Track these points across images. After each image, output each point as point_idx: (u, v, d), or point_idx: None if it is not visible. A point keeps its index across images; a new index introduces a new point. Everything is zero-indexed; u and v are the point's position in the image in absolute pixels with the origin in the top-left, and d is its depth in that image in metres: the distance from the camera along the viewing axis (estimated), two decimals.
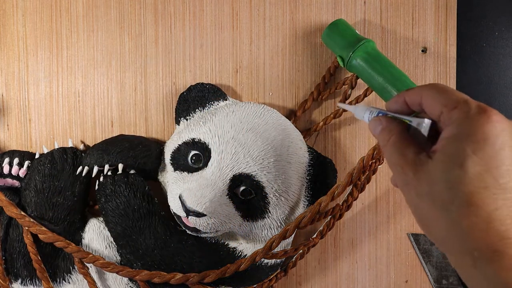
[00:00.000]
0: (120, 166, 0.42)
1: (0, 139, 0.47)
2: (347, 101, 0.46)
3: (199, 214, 0.38)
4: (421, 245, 0.49)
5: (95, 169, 0.42)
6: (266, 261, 0.43)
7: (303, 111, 0.46)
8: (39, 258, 0.42)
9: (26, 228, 0.42)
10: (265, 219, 0.42)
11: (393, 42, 0.47)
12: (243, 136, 0.40)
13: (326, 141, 0.48)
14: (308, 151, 0.44)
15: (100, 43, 0.46)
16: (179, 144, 0.42)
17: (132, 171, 0.43)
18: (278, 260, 0.44)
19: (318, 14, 0.47)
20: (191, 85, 0.44)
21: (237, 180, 0.40)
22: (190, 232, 0.41)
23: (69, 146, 0.45)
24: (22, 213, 0.42)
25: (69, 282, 0.43)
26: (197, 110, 0.44)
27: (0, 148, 0.47)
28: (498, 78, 0.51)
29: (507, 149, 0.25)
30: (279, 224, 0.42)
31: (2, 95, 0.47)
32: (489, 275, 0.24)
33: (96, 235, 0.43)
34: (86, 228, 0.44)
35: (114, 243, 0.43)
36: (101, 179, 0.42)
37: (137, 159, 0.43)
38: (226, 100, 0.44)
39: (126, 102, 0.47)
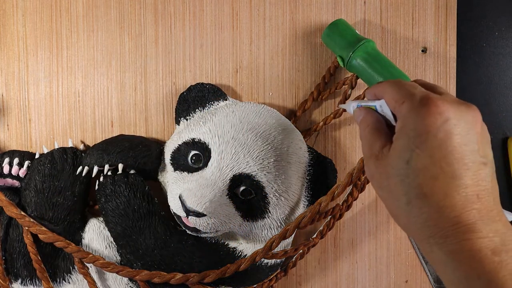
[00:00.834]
0: (120, 166, 0.42)
1: (0, 139, 0.47)
2: (350, 100, 0.46)
3: (199, 214, 0.38)
4: None
5: (95, 169, 0.42)
6: (266, 261, 0.43)
7: (303, 111, 0.46)
8: (39, 258, 0.42)
9: (26, 228, 0.42)
10: (265, 219, 0.42)
11: (393, 42, 0.47)
12: (243, 136, 0.40)
13: (326, 141, 0.48)
14: (308, 151, 0.44)
15: (100, 43, 0.46)
16: (179, 144, 0.42)
17: (132, 171, 0.43)
18: (278, 260, 0.44)
19: (318, 14, 0.47)
20: (191, 85, 0.44)
21: (237, 180, 0.40)
22: (190, 232, 0.41)
23: (69, 146, 0.45)
24: (22, 213, 0.42)
25: (69, 282, 0.43)
26: (197, 110, 0.44)
27: (0, 148, 0.47)
28: (498, 78, 0.51)
29: (454, 138, 0.26)
30: (279, 224, 0.42)
31: (2, 95, 0.47)
32: (443, 259, 0.26)
33: (96, 235, 0.43)
34: (86, 228, 0.44)
35: (114, 243, 0.43)
36: (101, 179, 0.42)
37: (137, 159, 0.43)
38: (226, 100, 0.44)
39: (126, 102, 0.47)
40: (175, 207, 0.40)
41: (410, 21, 0.47)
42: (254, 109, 0.43)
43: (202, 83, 0.44)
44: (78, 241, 0.43)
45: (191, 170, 0.41)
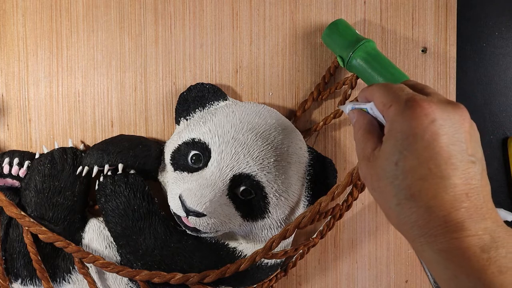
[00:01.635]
0: (120, 166, 0.42)
1: (0, 139, 0.47)
2: (347, 101, 0.46)
3: (199, 214, 0.38)
4: None
5: (95, 169, 0.42)
6: (266, 261, 0.43)
7: (303, 111, 0.46)
8: (39, 258, 0.42)
9: (26, 228, 0.42)
10: (265, 219, 0.42)
11: (393, 42, 0.47)
12: (243, 136, 0.40)
13: (326, 141, 0.48)
14: (308, 151, 0.44)
15: (100, 43, 0.46)
16: (179, 144, 0.42)
17: (132, 171, 0.43)
18: (278, 260, 0.44)
19: (318, 14, 0.47)
20: (191, 85, 0.44)
21: (237, 180, 0.40)
22: (190, 232, 0.41)
23: (69, 146, 0.45)
24: (22, 213, 0.42)
25: (69, 282, 0.43)
26: (197, 110, 0.44)
27: (0, 148, 0.47)
28: (498, 78, 0.51)
29: (440, 138, 0.26)
30: (279, 224, 0.42)
31: (2, 95, 0.47)
32: (434, 258, 0.26)
33: (96, 235, 0.43)
34: (86, 228, 0.44)
35: (114, 243, 0.43)
36: (101, 179, 0.42)
37: (137, 159, 0.43)
38: (226, 100, 0.44)
39: (126, 102, 0.47)
40: (175, 207, 0.40)
41: (410, 21, 0.47)
42: (254, 109, 0.43)
43: (202, 83, 0.44)
44: (78, 241, 0.43)
45: (191, 170, 0.41)
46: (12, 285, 0.43)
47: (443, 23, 0.47)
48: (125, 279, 0.43)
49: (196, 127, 0.42)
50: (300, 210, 0.43)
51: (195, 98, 0.44)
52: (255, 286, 0.45)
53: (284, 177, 0.41)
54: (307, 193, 0.43)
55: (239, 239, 0.44)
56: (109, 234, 0.43)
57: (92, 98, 0.47)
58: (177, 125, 0.45)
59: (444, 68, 0.47)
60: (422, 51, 0.47)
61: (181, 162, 0.41)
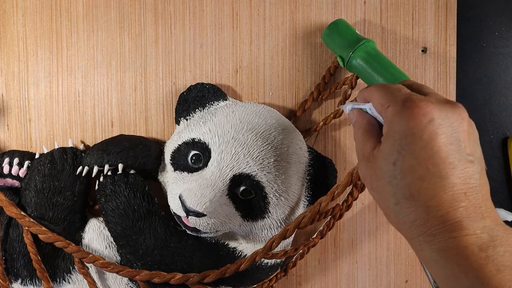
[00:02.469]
0: (120, 166, 0.42)
1: (0, 139, 0.47)
2: (347, 101, 0.46)
3: (199, 214, 0.38)
4: None
5: (95, 169, 0.42)
6: (266, 261, 0.43)
7: (303, 111, 0.46)
8: (39, 258, 0.42)
9: (26, 228, 0.42)
10: (265, 219, 0.42)
11: (393, 42, 0.47)
12: (243, 136, 0.40)
13: (326, 141, 0.48)
14: (308, 151, 0.44)
15: (100, 43, 0.46)
16: (179, 144, 0.42)
17: (132, 171, 0.43)
18: (278, 260, 0.44)
19: (318, 14, 0.47)
20: (191, 85, 0.44)
21: (237, 180, 0.40)
22: (190, 232, 0.41)
23: (69, 146, 0.45)
24: (22, 213, 0.42)
25: (69, 282, 0.43)
26: (197, 110, 0.44)
27: (0, 148, 0.47)
28: (498, 78, 0.51)
29: (438, 138, 0.26)
30: (279, 224, 0.42)
31: (2, 95, 0.47)
32: (432, 257, 0.26)
33: (96, 235, 0.43)
34: (86, 228, 0.44)
35: (114, 243, 0.43)
36: (101, 179, 0.42)
37: (137, 159, 0.43)
38: (226, 100, 0.44)
39: (126, 102, 0.47)
40: (175, 207, 0.40)
41: (410, 21, 0.47)
42: (254, 109, 0.43)
43: (202, 83, 0.44)
44: (78, 241, 0.43)
45: (191, 170, 0.41)
46: (12, 285, 0.43)
47: (443, 23, 0.47)
48: (125, 279, 0.43)
49: (196, 127, 0.42)
50: (300, 210, 0.43)
51: (195, 98, 0.44)
52: (255, 286, 0.45)
53: (284, 177, 0.41)
54: (307, 193, 0.43)
55: (239, 239, 0.44)
56: (109, 234, 0.43)
57: (92, 98, 0.47)
58: (177, 125, 0.45)
59: (444, 68, 0.47)
60: (422, 51, 0.47)
61: (181, 162, 0.41)
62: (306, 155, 0.43)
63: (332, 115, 0.46)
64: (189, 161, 0.41)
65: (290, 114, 0.47)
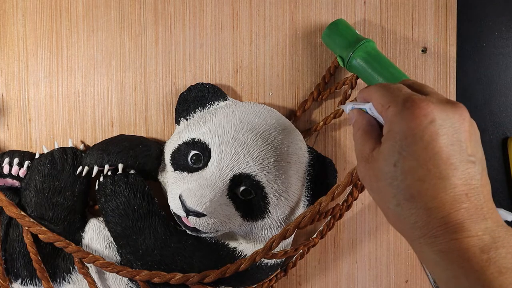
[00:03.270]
0: (120, 166, 0.42)
1: (0, 139, 0.47)
2: (347, 101, 0.46)
3: (199, 214, 0.38)
4: None
5: (95, 169, 0.42)
6: (266, 261, 0.43)
7: (303, 111, 0.46)
8: (39, 258, 0.42)
9: (26, 228, 0.42)
10: (265, 219, 0.42)
11: (393, 42, 0.47)
12: (243, 136, 0.40)
13: (326, 141, 0.48)
14: (308, 151, 0.44)
15: (100, 43, 0.46)
16: (179, 144, 0.42)
17: (132, 171, 0.43)
18: (278, 260, 0.44)
19: (318, 14, 0.47)
20: (191, 85, 0.44)
21: (237, 180, 0.40)
22: (190, 232, 0.41)
23: (69, 146, 0.45)
24: (22, 213, 0.42)
25: (69, 282, 0.43)
26: (197, 110, 0.44)
27: (0, 148, 0.47)
28: (498, 78, 0.51)
29: (440, 139, 0.26)
30: (279, 224, 0.42)
31: (2, 95, 0.47)
32: (433, 258, 0.26)
33: (96, 235, 0.43)
34: (86, 228, 0.44)
35: (114, 243, 0.43)
36: (101, 179, 0.42)
37: (137, 159, 0.43)
38: (226, 100, 0.44)
39: (126, 102, 0.47)
40: (175, 207, 0.40)
41: (410, 21, 0.47)
42: (254, 109, 0.43)
43: (202, 83, 0.44)
44: (78, 241, 0.43)
45: (191, 170, 0.41)
46: (12, 285, 0.43)
47: (443, 23, 0.47)
48: (125, 279, 0.43)
49: (196, 127, 0.42)
50: (300, 210, 0.43)
51: (195, 98, 0.44)
52: (255, 286, 0.45)
53: (284, 177, 0.41)
54: (307, 193, 0.43)
55: (239, 239, 0.44)
56: (109, 234, 0.43)
57: (92, 98, 0.47)
58: (177, 125, 0.45)
59: (444, 68, 0.47)
60: (422, 51, 0.47)
61: (181, 162, 0.41)
62: (306, 155, 0.43)
63: (332, 115, 0.46)
64: (189, 161, 0.41)
65: (290, 114, 0.47)
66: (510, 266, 0.24)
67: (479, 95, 0.50)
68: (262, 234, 0.43)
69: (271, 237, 0.41)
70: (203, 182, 0.39)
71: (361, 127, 0.31)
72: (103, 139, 0.45)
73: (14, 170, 0.44)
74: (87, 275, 0.42)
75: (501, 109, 0.51)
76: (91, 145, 0.46)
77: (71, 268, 0.43)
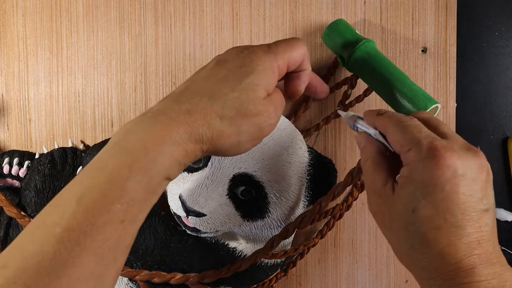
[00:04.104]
0: None
1: (0, 139, 0.47)
2: (347, 101, 0.46)
3: (199, 214, 0.38)
4: None
5: None
6: (266, 261, 0.43)
7: (303, 111, 0.46)
8: None
9: None
10: (265, 219, 0.42)
11: (393, 42, 0.47)
12: None
13: (326, 141, 0.48)
14: (308, 151, 0.44)
15: (100, 43, 0.46)
16: None
17: None
18: (278, 260, 0.44)
19: (318, 14, 0.47)
20: None
21: (237, 180, 0.40)
22: (190, 232, 0.41)
23: (69, 146, 0.45)
24: (22, 213, 0.42)
25: None
26: None
27: (0, 148, 0.47)
28: (498, 78, 0.51)
29: (459, 190, 0.26)
30: (279, 224, 0.42)
31: (2, 95, 0.47)
32: None
33: None
34: None
35: None
36: None
37: None
38: None
39: (126, 102, 0.47)
40: (175, 207, 0.40)
41: (410, 21, 0.47)
42: None
43: None
44: None
45: (191, 170, 0.41)
46: None
47: (443, 23, 0.47)
48: (125, 279, 0.43)
49: None
50: (300, 210, 0.43)
51: None
52: (255, 286, 0.45)
53: (284, 177, 0.41)
54: (307, 193, 0.43)
55: (239, 239, 0.44)
56: None
57: (92, 98, 0.47)
58: None
59: (444, 68, 0.47)
60: (422, 51, 0.47)
61: None
62: (306, 155, 0.43)
63: (332, 115, 0.46)
64: None
65: (290, 114, 0.47)
66: None
67: (479, 95, 0.50)
68: (262, 234, 0.43)
69: (271, 237, 0.41)
70: (203, 182, 0.39)
71: (371, 156, 0.31)
72: (103, 139, 0.45)
73: (14, 170, 0.44)
74: None
75: (501, 109, 0.51)
76: (91, 145, 0.46)
77: None
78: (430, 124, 0.30)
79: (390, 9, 0.47)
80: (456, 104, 0.47)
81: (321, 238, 0.46)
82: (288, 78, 0.36)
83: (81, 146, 0.46)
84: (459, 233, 0.26)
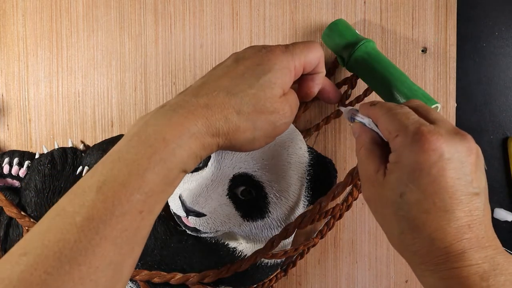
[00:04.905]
0: None
1: (0, 139, 0.47)
2: (347, 101, 0.46)
3: (199, 214, 0.38)
4: None
5: None
6: (266, 261, 0.43)
7: (303, 111, 0.46)
8: None
9: (26, 228, 0.42)
10: (265, 219, 0.42)
11: (393, 42, 0.47)
12: None
13: (326, 141, 0.48)
14: (308, 151, 0.44)
15: (100, 43, 0.46)
16: None
17: None
18: (278, 260, 0.44)
19: (318, 14, 0.47)
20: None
21: (237, 180, 0.40)
22: (190, 232, 0.41)
23: (69, 146, 0.45)
24: (22, 213, 0.42)
25: None
26: None
27: (0, 148, 0.47)
28: (498, 78, 0.51)
29: (447, 173, 0.26)
30: (279, 224, 0.42)
31: (2, 95, 0.47)
32: (434, 284, 0.27)
33: None
34: None
35: None
36: None
37: None
38: None
39: (126, 102, 0.47)
40: (175, 207, 0.40)
41: (410, 21, 0.47)
42: None
43: None
44: None
45: None
46: None
47: (443, 23, 0.47)
48: None
49: None
50: (300, 210, 0.43)
51: None
52: (255, 286, 0.45)
53: (284, 177, 0.41)
54: (307, 193, 0.43)
55: (239, 239, 0.44)
56: None
57: (92, 98, 0.47)
58: None
59: (444, 68, 0.47)
60: (422, 51, 0.47)
61: None
62: (306, 155, 0.43)
63: (332, 115, 0.46)
64: None
65: None
66: None
67: (479, 95, 0.50)
68: (262, 234, 0.43)
69: (271, 237, 0.41)
70: (203, 182, 0.39)
71: (365, 145, 0.31)
72: (103, 139, 0.45)
73: (14, 170, 0.44)
74: None
75: (501, 109, 0.51)
76: (91, 145, 0.46)
77: None
78: (420, 111, 0.30)
79: (390, 9, 0.47)
80: (456, 104, 0.47)
81: (321, 238, 0.46)
82: (303, 80, 0.36)
83: (81, 146, 0.46)
84: (448, 217, 0.26)
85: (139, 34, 0.46)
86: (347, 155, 0.48)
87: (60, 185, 0.43)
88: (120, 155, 0.26)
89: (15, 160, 0.44)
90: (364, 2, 0.47)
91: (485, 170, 0.29)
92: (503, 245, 0.28)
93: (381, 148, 0.31)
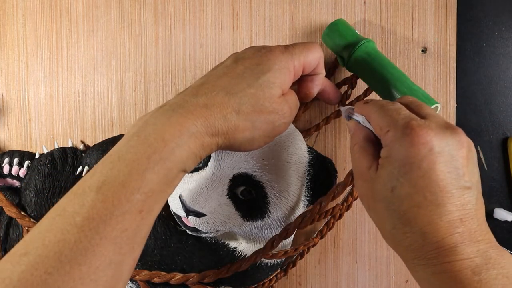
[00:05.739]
0: None
1: (0, 139, 0.47)
2: (347, 101, 0.46)
3: (199, 214, 0.38)
4: None
5: None
6: (266, 261, 0.43)
7: (303, 111, 0.46)
8: None
9: (26, 228, 0.42)
10: (265, 219, 0.42)
11: (393, 42, 0.47)
12: None
13: (326, 141, 0.48)
14: (308, 151, 0.44)
15: (100, 43, 0.46)
16: None
17: None
18: (278, 260, 0.44)
19: (318, 14, 0.47)
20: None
21: (237, 180, 0.40)
22: (190, 232, 0.41)
23: (69, 146, 0.45)
24: (22, 213, 0.42)
25: None
26: None
27: (0, 148, 0.47)
28: (498, 78, 0.51)
29: (437, 167, 0.26)
30: (279, 224, 0.42)
31: (2, 95, 0.47)
32: (427, 278, 0.27)
33: None
34: None
35: None
36: None
37: None
38: None
39: (126, 102, 0.47)
40: (175, 207, 0.40)
41: (410, 21, 0.47)
42: None
43: None
44: None
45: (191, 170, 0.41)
46: None
47: (443, 23, 0.47)
48: None
49: None
50: (300, 210, 0.43)
51: None
52: (255, 286, 0.45)
53: (284, 177, 0.41)
54: (307, 193, 0.43)
55: (239, 239, 0.44)
56: None
57: (92, 98, 0.47)
58: None
59: (444, 68, 0.47)
60: (422, 51, 0.47)
61: None
62: (306, 155, 0.43)
63: (332, 115, 0.46)
64: None
65: None
66: (500, 287, 0.25)
67: (479, 95, 0.50)
68: (262, 234, 0.43)
69: (271, 237, 0.41)
70: (203, 182, 0.39)
71: (358, 142, 0.32)
72: (103, 139, 0.45)
73: (14, 170, 0.44)
74: None
75: (501, 109, 0.51)
76: (91, 145, 0.46)
77: None
78: (412, 107, 0.30)
79: (390, 9, 0.47)
80: (456, 104, 0.47)
81: (321, 238, 0.46)
82: (302, 80, 0.37)
83: (81, 146, 0.46)
84: (439, 212, 0.26)
85: (139, 34, 0.46)
86: (347, 155, 0.48)
87: (60, 185, 0.43)
88: (120, 155, 0.26)
89: (15, 160, 0.44)
90: (364, 2, 0.47)
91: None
92: (503, 245, 0.28)
93: (374, 145, 0.31)
